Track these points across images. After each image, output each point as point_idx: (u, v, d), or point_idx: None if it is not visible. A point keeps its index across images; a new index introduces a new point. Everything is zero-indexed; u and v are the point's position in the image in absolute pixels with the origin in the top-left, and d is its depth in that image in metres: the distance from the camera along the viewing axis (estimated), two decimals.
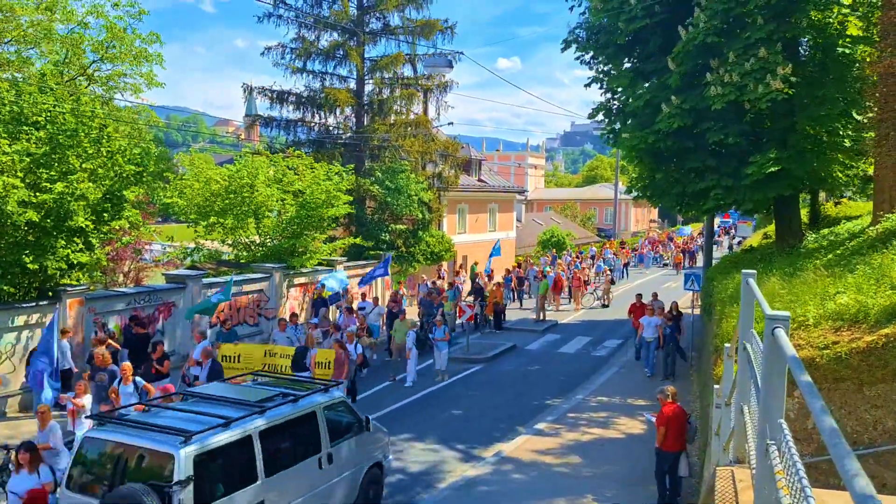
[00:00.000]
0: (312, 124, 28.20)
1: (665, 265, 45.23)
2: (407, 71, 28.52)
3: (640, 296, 21.03)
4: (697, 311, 20.95)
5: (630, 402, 15.93)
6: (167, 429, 7.57)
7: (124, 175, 16.22)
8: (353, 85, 28.05)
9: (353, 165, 24.54)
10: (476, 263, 32.15)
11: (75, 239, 14.95)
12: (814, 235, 15.83)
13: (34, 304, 14.58)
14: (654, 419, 10.70)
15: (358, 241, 24.49)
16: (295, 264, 22.00)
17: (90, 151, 15.25)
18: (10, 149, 13.76)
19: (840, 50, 15.65)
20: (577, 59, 19.52)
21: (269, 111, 28.05)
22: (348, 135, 28.03)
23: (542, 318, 26.01)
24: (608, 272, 32.71)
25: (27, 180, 14.18)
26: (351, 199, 23.21)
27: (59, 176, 14.45)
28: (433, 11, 46.22)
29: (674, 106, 15.83)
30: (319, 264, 23.17)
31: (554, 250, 42.13)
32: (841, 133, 16.49)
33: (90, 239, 15.56)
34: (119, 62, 21.72)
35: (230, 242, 22.38)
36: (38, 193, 13.97)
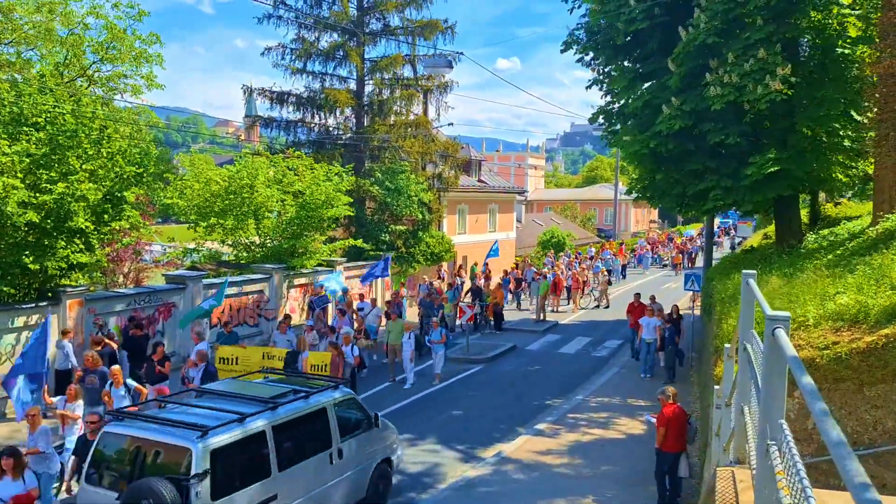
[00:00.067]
0: (312, 125, 28.21)
1: (664, 266, 45.20)
2: (407, 71, 28.55)
3: (638, 295, 20.81)
4: (697, 312, 20.95)
5: (630, 402, 15.93)
6: (184, 424, 7.73)
7: (124, 176, 16.23)
8: (353, 86, 28.06)
9: (352, 166, 24.55)
10: (476, 264, 32.15)
11: (75, 240, 14.95)
12: (814, 236, 15.83)
13: (34, 304, 14.59)
14: (654, 420, 10.70)
15: (358, 242, 24.50)
16: (295, 265, 22.01)
17: (90, 152, 15.25)
18: (10, 149, 13.76)
19: (839, 51, 15.66)
20: (578, 60, 19.53)
21: (269, 112, 28.10)
22: (348, 135, 28.04)
23: (542, 318, 26.01)
24: (605, 273, 32.67)
25: (27, 181, 14.18)
26: (351, 199, 23.21)
27: (60, 177, 14.45)
28: (433, 12, 46.31)
29: (674, 107, 15.84)
30: (319, 265, 23.18)
31: (552, 251, 42.13)
32: (840, 133, 16.50)
33: (90, 240, 15.56)
34: (119, 63, 21.75)
35: (230, 243, 22.39)
36: (38, 194, 13.97)
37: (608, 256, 39.41)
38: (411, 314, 23.98)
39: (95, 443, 8.09)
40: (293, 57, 27.28)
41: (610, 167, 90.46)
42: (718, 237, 46.48)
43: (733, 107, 15.30)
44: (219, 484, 7.44)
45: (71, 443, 10.02)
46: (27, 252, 14.08)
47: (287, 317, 18.60)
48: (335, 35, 27.62)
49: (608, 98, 19.75)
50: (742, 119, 15.92)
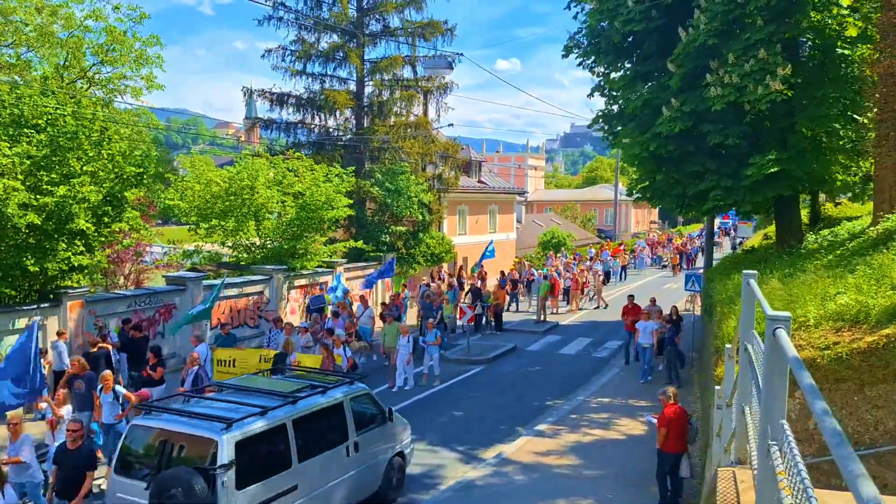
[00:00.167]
0: (312, 126, 28.24)
1: (664, 266, 45.16)
2: (407, 72, 28.59)
3: (632, 297, 20.64)
4: (697, 312, 20.95)
5: (631, 403, 15.93)
6: (209, 416, 8.06)
7: (125, 177, 16.24)
8: (352, 87, 28.09)
9: (353, 167, 24.56)
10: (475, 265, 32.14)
11: (76, 241, 14.96)
12: (814, 236, 15.82)
13: (35, 306, 14.60)
14: (655, 420, 10.70)
15: (359, 243, 24.51)
16: (295, 266, 22.01)
17: (91, 154, 15.27)
18: (10, 151, 13.77)
19: (839, 51, 15.66)
20: (579, 64, 19.54)
21: (269, 113, 28.14)
22: (348, 136, 28.06)
23: (542, 319, 26.01)
24: (599, 273, 32.63)
25: (28, 183, 14.20)
26: (351, 201, 23.22)
27: (60, 179, 14.47)
28: (433, 13, 46.32)
29: (674, 108, 15.83)
30: (319, 266, 23.18)
31: (552, 251, 42.16)
32: (840, 133, 16.50)
33: (91, 241, 15.57)
34: (119, 65, 21.76)
35: (230, 245, 22.40)
36: (38, 196, 13.99)
37: (607, 258, 39.39)
38: (412, 315, 23.98)
39: (124, 436, 8.40)
40: (293, 58, 27.31)
41: (610, 168, 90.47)
42: (718, 238, 46.41)
43: (733, 107, 15.30)
44: (243, 474, 7.74)
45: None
46: (28, 254, 14.09)
47: (278, 320, 18.29)
48: (335, 36, 27.65)
49: (608, 101, 19.74)
50: (742, 119, 15.92)
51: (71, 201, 14.28)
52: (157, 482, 7.51)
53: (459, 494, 10.90)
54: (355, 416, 9.73)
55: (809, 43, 16.66)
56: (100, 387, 11.25)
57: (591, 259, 39.30)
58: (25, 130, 14.59)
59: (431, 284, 25.58)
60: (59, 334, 14.32)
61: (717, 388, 7.68)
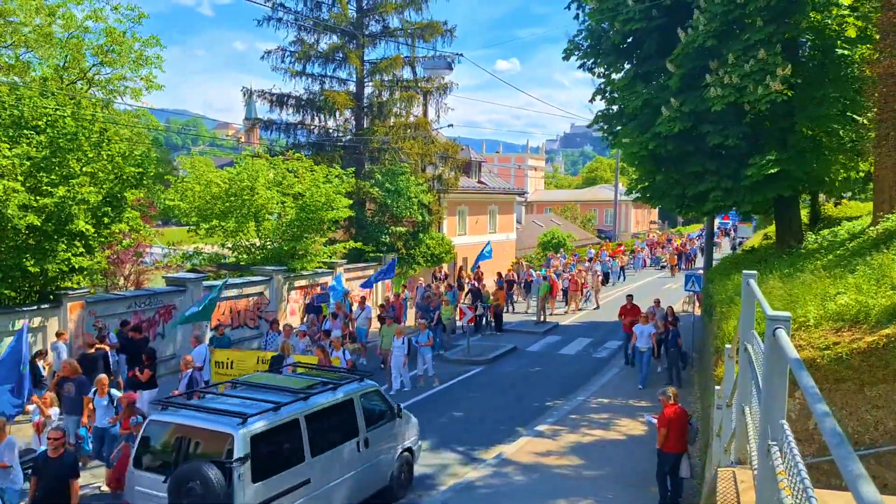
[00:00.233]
0: (312, 127, 28.24)
1: (662, 267, 45.10)
2: (406, 73, 28.60)
3: (630, 297, 20.47)
4: (697, 312, 20.95)
5: (631, 403, 15.93)
6: (225, 412, 8.28)
7: (124, 178, 16.24)
8: (352, 87, 28.10)
9: (353, 168, 24.57)
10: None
11: (76, 242, 14.96)
12: (814, 236, 15.82)
13: (35, 307, 14.60)
14: (655, 421, 10.69)
15: (358, 244, 24.51)
16: (295, 267, 22.01)
17: (90, 155, 15.27)
18: (10, 153, 13.77)
19: (839, 51, 15.66)
20: (580, 66, 19.54)
21: (269, 114, 28.16)
22: (348, 137, 28.06)
23: (542, 319, 26.01)
24: (598, 273, 32.62)
25: (28, 184, 14.19)
26: (351, 201, 23.22)
27: (60, 180, 14.46)
28: (432, 13, 46.25)
29: (673, 109, 15.84)
30: (319, 267, 23.18)
31: (551, 252, 42.17)
32: (840, 133, 16.50)
33: (90, 242, 15.56)
34: (119, 66, 21.75)
35: (230, 246, 22.39)
36: (38, 197, 13.99)
37: (605, 258, 39.37)
38: (412, 316, 23.96)
39: (142, 431, 8.58)
40: (293, 59, 27.33)
41: (610, 168, 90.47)
42: (718, 238, 46.36)
43: (733, 108, 15.30)
44: (258, 468, 7.93)
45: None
46: (28, 255, 14.08)
47: (274, 322, 18.06)
48: (334, 37, 27.66)
49: (608, 101, 19.73)
50: (742, 120, 15.92)
51: (70, 202, 14.28)
52: (175, 476, 7.73)
53: (460, 495, 10.90)
54: (365, 412, 9.95)
55: (809, 43, 16.67)
56: (94, 390, 11.10)
57: (589, 260, 39.27)
58: (25, 132, 14.59)
59: (432, 285, 25.58)
60: (59, 335, 14.31)
61: (717, 388, 7.68)
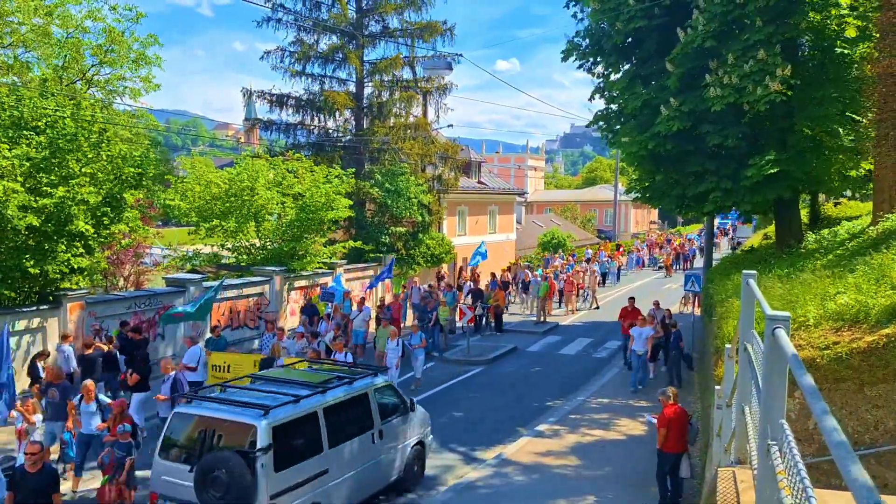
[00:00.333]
0: (312, 127, 28.23)
1: (660, 268, 45.02)
2: (406, 73, 28.58)
3: (632, 299, 20.26)
4: (697, 312, 20.95)
5: (631, 403, 15.93)
6: (248, 404, 8.59)
7: (124, 178, 16.24)
8: (352, 88, 28.10)
9: (353, 169, 24.56)
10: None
11: (76, 243, 14.95)
12: (814, 236, 15.82)
13: (35, 308, 14.59)
14: (655, 421, 10.69)
15: (358, 244, 24.50)
16: (295, 267, 22.00)
17: (90, 155, 15.27)
18: (10, 153, 13.77)
19: (839, 51, 15.66)
20: (579, 66, 19.53)
21: (269, 114, 28.16)
22: (348, 137, 28.07)
23: (542, 319, 26.00)
24: (596, 273, 32.58)
25: (27, 185, 14.19)
26: (351, 202, 23.22)
27: (59, 180, 14.46)
28: (432, 14, 46.15)
29: (673, 108, 15.83)
30: (319, 267, 23.18)
31: (547, 253, 42.15)
32: (840, 133, 16.50)
33: (90, 243, 15.56)
34: (118, 66, 21.75)
35: (230, 246, 22.39)
36: (38, 198, 13.98)
37: (603, 259, 39.34)
38: (412, 317, 23.92)
39: (167, 424, 8.85)
40: (292, 60, 27.33)
41: (609, 168, 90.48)
42: (717, 238, 46.34)
43: (733, 108, 15.29)
44: (280, 457, 8.24)
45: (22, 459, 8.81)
46: (27, 256, 14.08)
47: (269, 324, 17.64)
48: (334, 37, 27.66)
49: (608, 101, 19.72)
50: (741, 120, 15.92)
51: (70, 203, 14.28)
52: (201, 465, 8.04)
53: (460, 495, 10.90)
54: (379, 406, 10.26)
55: (809, 43, 16.68)
56: (79, 396, 10.71)
57: (587, 261, 39.21)
58: (25, 132, 14.59)
59: (433, 285, 25.55)
60: (64, 337, 14.27)
61: (717, 388, 7.68)
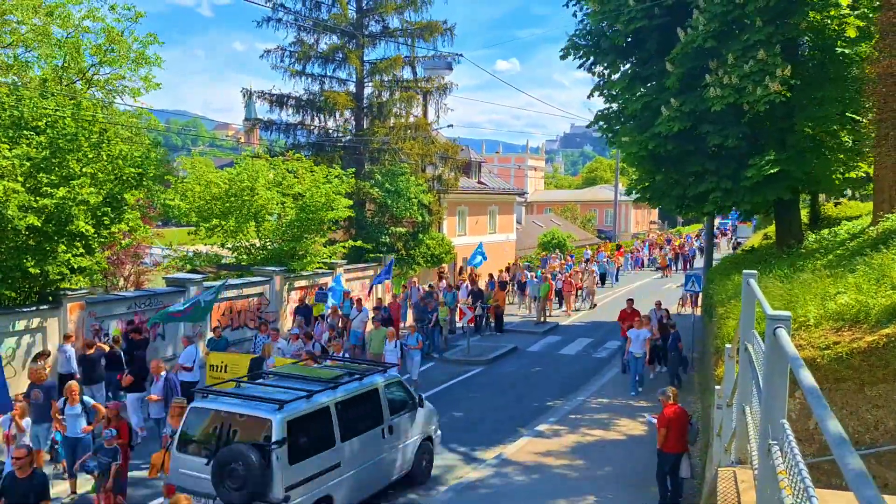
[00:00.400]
0: (312, 127, 28.21)
1: (658, 269, 44.99)
2: (406, 73, 28.55)
3: (631, 301, 20.25)
4: (697, 312, 20.94)
5: (631, 403, 15.93)
6: (263, 398, 8.86)
7: (124, 178, 16.23)
8: (352, 88, 28.08)
9: (353, 169, 24.54)
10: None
11: (76, 243, 14.95)
12: (814, 236, 15.83)
13: (35, 308, 14.58)
14: (655, 421, 10.69)
15: (358, 243, 24.50)
16: (295, 267, 22.00)
17: (90, 156, 15.26)
18: (10, 153, 13.76)
19: (839, 51, 15.66)
20: (579, 66, 19.53)
21: (269, 114, 28.12)
22: (348, 138, 28.06)
23: (542, 320, 26.00)
24: (594, 273, 32.56)
25: (28, 185, 14.18)
26: (351, 202, 23.21)
27: (60, 180, 14.45)
28: (432, 14, 46.15)
29: (673, 108, 15.83)
30: (319, 267, 23.17)
31: (545, 253, 42.12)
32: (840, 133, 16.50)
33: (90, 243, 15.55)
34: (118, 66, 21.73)
35: (230, 246, 22.38)
36: (38, 198, 13.97)
37: (602, 259, 39.31)
38: (412, 318, 23.93)
39: (184, 419, 9.05)
40: (292, 59, 27.31)
41: (610, 168, 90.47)
42: (717, 238, 46.31)
43: (733, 108, 15.29)
44: (294, 451, 8.50)
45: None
46: (28, 256, 14.07)
47: (265, 324, 17.63)
48: (334, 37, 27.65)
49: (607, 100, 19.72)
50: (741, 120, 15.92)
51: (70, 203, 14.26)
52: (218, 458, 8.27)
53: (460, 495, 10.90)
54: (389, 401, 10.48)
55: (809, 43, 16.67)
56: (63, 399, 10.46)
57: (586, 261, 39.18)
58: (25, 132, 14.57)
59: (434, 285, 25.53)
60: (66, 338, 14.26)
61: (717, 388, 7.68)
